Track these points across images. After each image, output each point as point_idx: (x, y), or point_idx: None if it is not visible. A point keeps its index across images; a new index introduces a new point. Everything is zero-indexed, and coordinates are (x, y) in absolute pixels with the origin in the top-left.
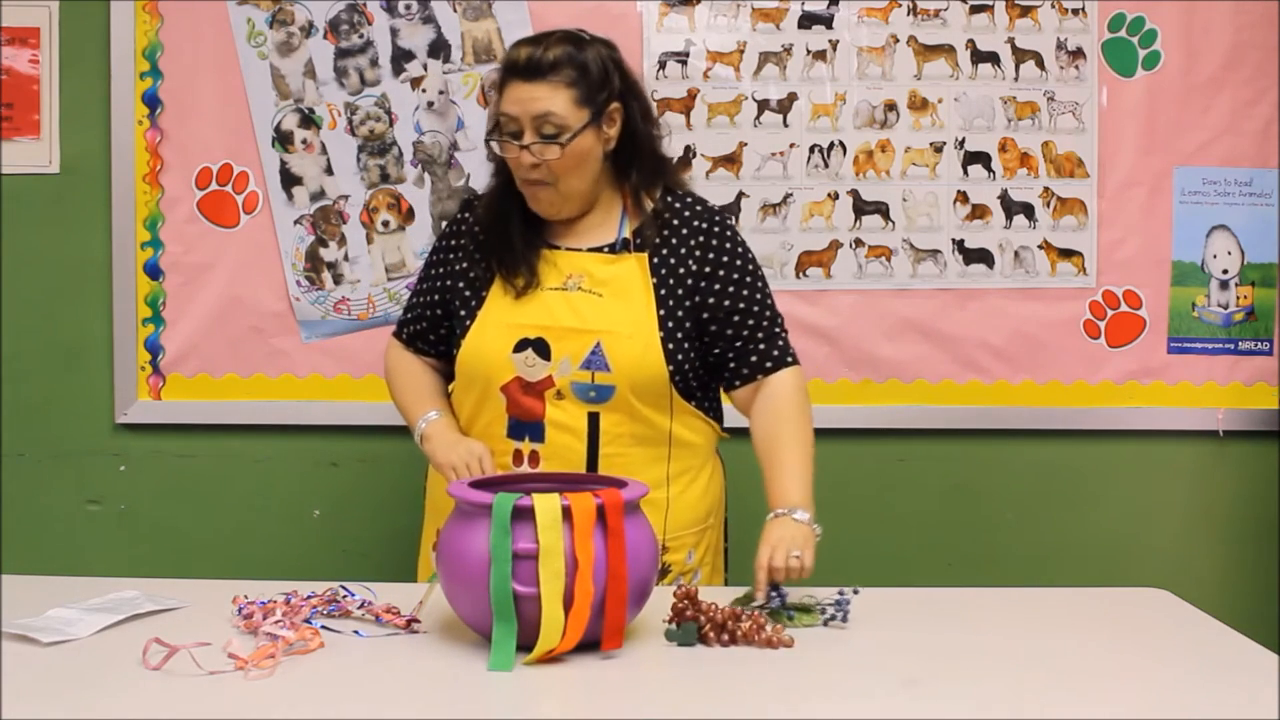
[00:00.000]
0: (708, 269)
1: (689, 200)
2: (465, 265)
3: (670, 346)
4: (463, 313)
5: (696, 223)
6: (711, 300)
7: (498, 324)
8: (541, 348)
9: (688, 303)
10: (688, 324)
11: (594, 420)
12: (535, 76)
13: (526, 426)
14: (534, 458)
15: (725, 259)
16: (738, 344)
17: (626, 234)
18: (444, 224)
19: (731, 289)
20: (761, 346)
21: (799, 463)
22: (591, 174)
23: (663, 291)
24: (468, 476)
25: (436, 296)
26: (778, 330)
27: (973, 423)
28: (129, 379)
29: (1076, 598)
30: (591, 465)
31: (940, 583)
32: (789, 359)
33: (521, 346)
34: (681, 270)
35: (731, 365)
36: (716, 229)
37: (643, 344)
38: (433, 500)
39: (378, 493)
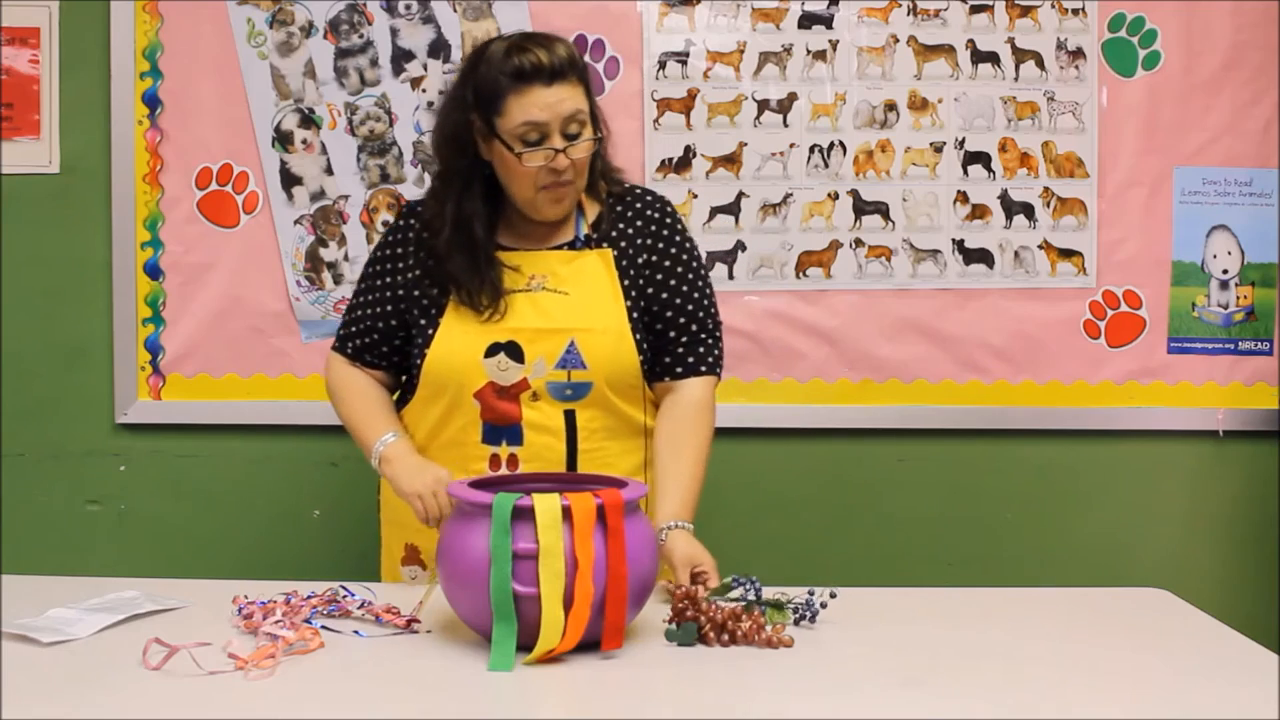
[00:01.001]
0: (654, 258)
1: (638, 191)
2: (419, 273)
3: (638, 337)
4: (423, 321)
5: (649, 212)
6: (655, 291)
7: (464, 330)
8: (514, 351)
9: (649, 290)
10: (647, 315)
11: (570, 417)
12: (557, 79)
13: (503, 431)
14: (512, 461)
15: (674, 251)
16: (669, 338)
17: (585, 229)
18: (390, 226)
19: (674, 283)
20: (688, 347)
21: (684, 480)
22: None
23: (626, 283)
24: (435, 508)
25: (389, 307)
26: (708, 334)
27: (973, 423)
28: (129, 379)
29: (1076, 598)
30: (571, 463)
31: (940, 583)
32: (704, 367)
33: (493, 351)
34: (640, 260)
35: (666, 360)
36: (669, 220)
37: (615, 338)
38: (392, 511)
39: (377, 493)
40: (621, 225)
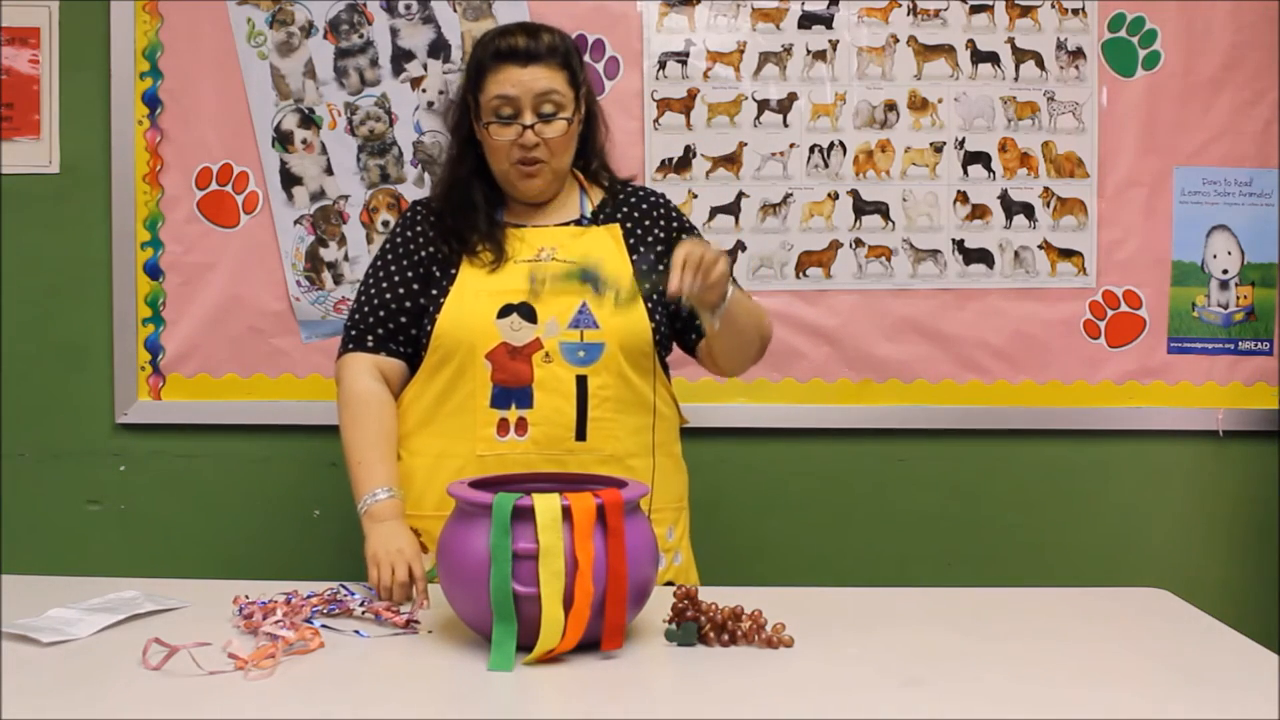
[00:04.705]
0: (665, 238)
1: (634, 185)
2: (433, 249)
3: (649, 306)
4: (434, 291)
5: (653, 199)
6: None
7: (477, 292)
8: (526, 311)
9: (661, 267)
10: (655, 293)
11: (582, 383)
12: (533, 60)
13: (513, 393)
14: (521, 425)
15: (688, 230)
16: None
17: (590, 210)
18: (394, 224)
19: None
20: None
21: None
22: (573, 155)
23: (634, 258)
24: (387, 577)
25: (416, 286)
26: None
27: (973, 423)
28: (129, 379)
29: (1076, 598)
30: (580, 429)
31: (940, 583)
32: None
33: (505, 312)
34: (650, 239)
35: (697, 322)
36: (674, 210)
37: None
38: None
39: None
40: (626, 209)
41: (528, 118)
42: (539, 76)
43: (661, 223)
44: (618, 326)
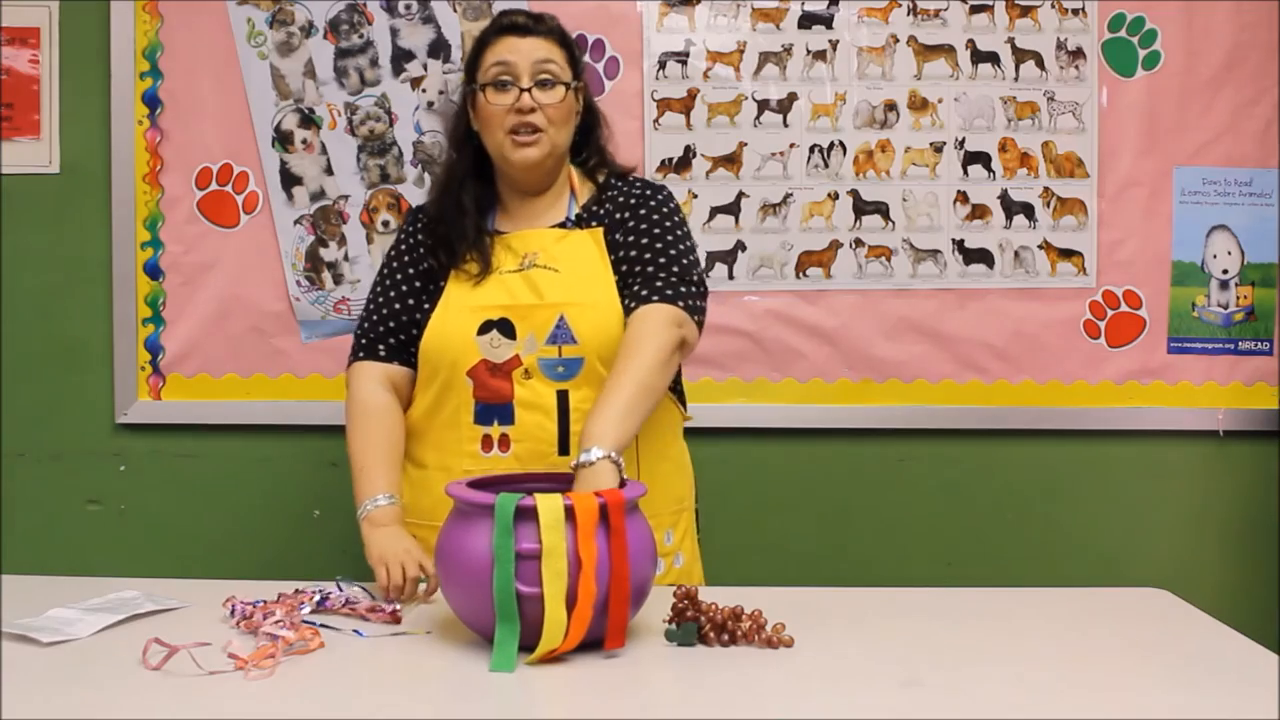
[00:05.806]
0: (632, 213)
1: (635, 180)
2: (430, 262)
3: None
4: (426, 306)
5: (638, 192)
6: (625, 234)
7: (460, 308)
8: (506, 328)
9: (624, 243)
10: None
11: (563, 398)
12: (533, 32)
13: (495, 410)
14: (504, 441)
15: (652, 204)
16: (634, 273)
17: (577, 210)
18: (398, 230)
19: (644, 226)
20: (639, 284)
21: (614, 396)
22: (570, 136)
23: (614, 258)
24: (397, 576)
25: (424, 297)
26: (668, 272)
27: (973, 423)
28: (129, 379)
29: (1076, 598)
30: (563, 444)
31: (940, 583)
32: (663, 297)
33: (485, 329)
34: (618, 234)
35: (626, 300)
36: (661, 194)
37: (606, 312)
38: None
39: None
40: (610, 207)
41: (525, 82)
42: (537, 46)
43: (628, 211)
44: (596, 338)
